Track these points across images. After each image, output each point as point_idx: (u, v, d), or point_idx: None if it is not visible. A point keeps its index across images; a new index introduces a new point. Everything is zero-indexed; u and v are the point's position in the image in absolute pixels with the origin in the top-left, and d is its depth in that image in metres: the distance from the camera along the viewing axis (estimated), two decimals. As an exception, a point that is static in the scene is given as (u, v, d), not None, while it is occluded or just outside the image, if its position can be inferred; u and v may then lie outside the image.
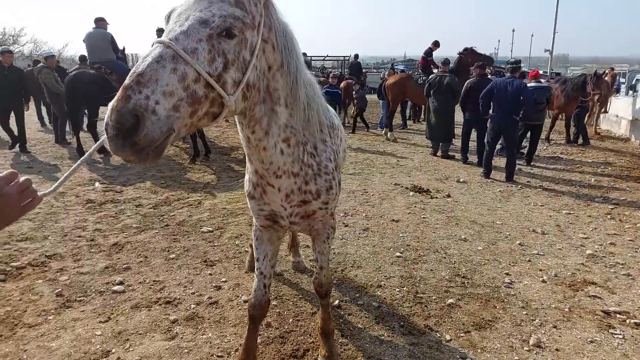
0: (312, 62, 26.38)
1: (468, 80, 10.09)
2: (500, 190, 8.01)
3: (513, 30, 73.08)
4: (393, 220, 6.19)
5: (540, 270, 4.84)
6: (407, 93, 13.10)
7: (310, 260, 4.86)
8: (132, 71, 1.43)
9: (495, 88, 8.58)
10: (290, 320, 3.73)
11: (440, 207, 6.90)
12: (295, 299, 4.06)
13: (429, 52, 13.84)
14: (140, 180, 7.95)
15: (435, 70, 12.60)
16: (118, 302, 3.97)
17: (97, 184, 7.57)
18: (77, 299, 4.01)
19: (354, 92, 14.47)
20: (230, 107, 1.66)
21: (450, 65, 11.34)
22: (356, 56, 20.10)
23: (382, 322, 3.75)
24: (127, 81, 1.38)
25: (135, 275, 4.48)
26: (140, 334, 3.51)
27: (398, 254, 5.07)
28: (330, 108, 2.91)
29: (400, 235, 5.66)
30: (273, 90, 1.95)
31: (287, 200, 2.35)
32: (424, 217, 6.37)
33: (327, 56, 34.98)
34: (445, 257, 5.06)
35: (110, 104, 1.36)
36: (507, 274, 4.72)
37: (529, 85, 10.42)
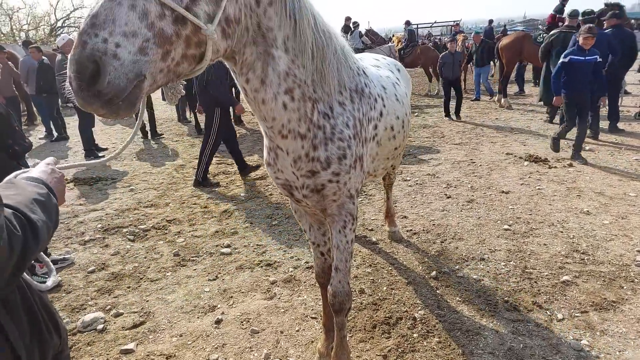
0: (419, 29, 25.14)
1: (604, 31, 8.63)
2: (636, 159, 6.91)
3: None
4: (502, 191, 5.71)
5: (686, 249, 4.10)
6: (524, 54, 11.86)
7: (407, 231, 4.72)
8: (86, 14, 1.26)
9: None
10: (384, 288, 3.67)
11: (560, 177, 6.18)
12: (389, 268, 3.98)
13: (560, 9, 12.16)
14: (249, 154, 8.42)
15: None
16: (225, 263, 4.28)
17: (211, 158, 8.21)
18: (191, 259, 4.41)
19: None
20: (213, 37, 1.45)
21: (579, 19, 9.50)
22: (490, 21, 20.37)
23: (483, 296, 3.51)
24: (81, 26, 1.24)
25: (241, 239, 4.78)
26: (242, 292, 3.75)
27: (506, 226, 4.68)
28: (374, 73, 2.58)
29: (510, 207, 5.20)
30: (267, 30, 1.75)
31: (295, 167, 2.12)
32: (539, 189, 5.77)
33: (435, 22, 33.14)
34: (562, 231, 4.54)
35: (69, 56, 1.24)
36: (639, 251, 4.09)
37: None
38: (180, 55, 1.41)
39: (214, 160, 8.04)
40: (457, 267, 3.95)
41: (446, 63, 10.64)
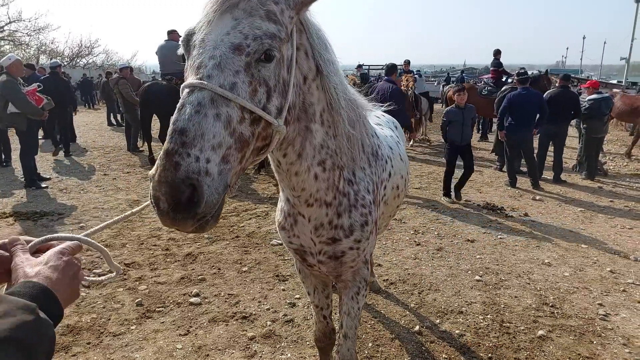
0: (370, 71, 25.92)
1: (548, 91, 9.46)
2: (581, 210, 7.43)
3: (584, 37, 69.21)
4: (468, 240, 5.88)
5: (639, 302, 4.38)
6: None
7: (384, 280, 4.68)
8: (170, 129, 1.20)
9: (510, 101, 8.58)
10: (370, 344, 3.58)
11: (518, 227, 6.49)
12: (372, 322, 3.90)
13: (498, 63, 13.30)
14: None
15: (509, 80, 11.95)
16: (196, 315, 3.99)
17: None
18: (157, 309, 4.09)
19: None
20: (282, 132, 1.45)
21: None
22: (462, 72, 20.14)
23: (467, 352, 3.50)
24: (169, 144, 1.17)
25: (210, 287, 4.51)
26: (219, 349, 3.49)
27: (477, 277, 4.78)
28: (381, 133, 2.58)
29: (478, 257, 5.34)
30: (308, 105, 1.70)
31: (316, 234, 2.06)
32: (501, 238, 6.00)
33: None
34: (529, 283, 4.71)
35: (155, 174, 1.17)
36: (600, 304, 4.31)
37: (589, 97, 9.56)
38: (250, 152, 1.39)
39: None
40: (438, 320, 3.94)
41: (453, 122, 7.43)
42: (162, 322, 3.88)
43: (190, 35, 1.40)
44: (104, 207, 7.06)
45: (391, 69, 8.56)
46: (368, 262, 2.28)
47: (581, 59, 71.25)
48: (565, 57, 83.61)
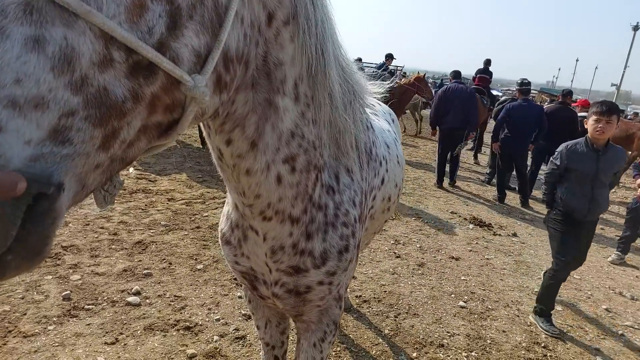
0: (366, 68, 25.20)
1: (546, 106, 9.03)
2: (571, 235, 6.99)
3: (577, 60, 69.94)
4: (452, 257, 5.34)
5: None
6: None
7: (356, 297, 4.11)
8: None
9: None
10: (333, 379, 3.00)
11: (506, 247, 5.99)
12: (338, 348, 3.31)
13: (489, 72, 12.78)
14: (177, 171, 7.43)
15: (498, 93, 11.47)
16: (130, 319, 3.35)
17: (131, 170, 7.09)
18: (86, 306, 3.42)
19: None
20: (203, 97, 0.78)
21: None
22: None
23: (447, 399, 2.96)
24: None
25: (155, 285, 3.86)
26: (149, 368, 2.86)
27: (462, 303, 4.24)
28: (377, 125, 2.00)
29: (462, 278, 4.81)
30: (274, 65, 1.07)
31: (273, 258, 1.44)
32: (487, 258, 5.49)
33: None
34: (518, 316, 4.20)
35: None
36: (597, 349, 3.82)
37: (579, 114, 9.25)
38: (136, 131, 0.72)
39: (135, 173, 6.96)
40: (415, 354, 3.37)
41: (576, 172, 3.97)
42: (88, 324, 3.22)
43: None
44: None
45: (459, 74, 9.41)
46: (342, 299, 1.68)
47: (572, 81, 72.04)
48: (557, 78, 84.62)
